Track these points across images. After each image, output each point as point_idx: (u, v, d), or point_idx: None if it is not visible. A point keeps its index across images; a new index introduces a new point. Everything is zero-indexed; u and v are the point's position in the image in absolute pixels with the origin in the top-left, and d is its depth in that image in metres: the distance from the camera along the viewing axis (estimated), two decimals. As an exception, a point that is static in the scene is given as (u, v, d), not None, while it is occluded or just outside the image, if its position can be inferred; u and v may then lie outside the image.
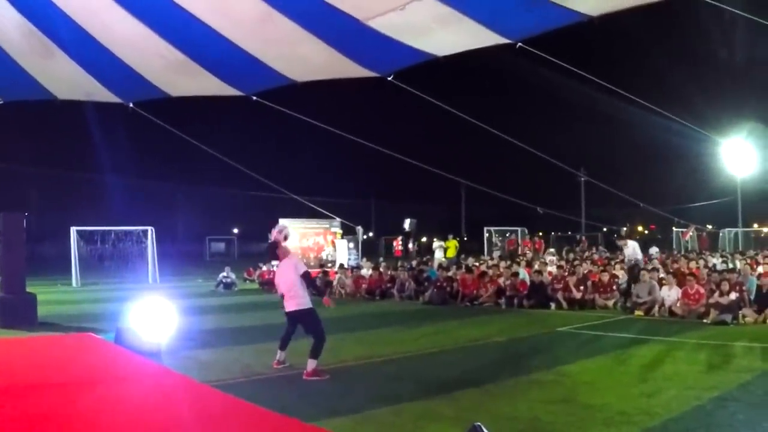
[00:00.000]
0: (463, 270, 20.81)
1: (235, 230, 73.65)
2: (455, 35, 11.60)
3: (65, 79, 14.29)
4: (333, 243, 35.35)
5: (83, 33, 12.29)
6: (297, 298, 9.14)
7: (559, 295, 17.60)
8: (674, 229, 41.57)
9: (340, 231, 35.82)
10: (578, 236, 43.21)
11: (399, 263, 25.62)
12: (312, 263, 30.11)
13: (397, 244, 37.82)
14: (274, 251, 9.55)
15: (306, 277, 9.24)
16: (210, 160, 20.21)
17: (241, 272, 30.88)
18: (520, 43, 11.51)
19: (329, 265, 29.84)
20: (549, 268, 21.01)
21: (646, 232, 76.13)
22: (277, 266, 9.93)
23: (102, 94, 14.95)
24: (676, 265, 20.02)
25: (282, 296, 9.35)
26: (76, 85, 14.64)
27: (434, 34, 11.46)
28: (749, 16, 10.17)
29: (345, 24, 11.17)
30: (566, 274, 19.25)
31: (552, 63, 12.70)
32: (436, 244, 33.61)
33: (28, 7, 11.76)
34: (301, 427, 6.25)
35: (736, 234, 42.19)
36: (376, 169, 62.15)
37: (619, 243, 19.67)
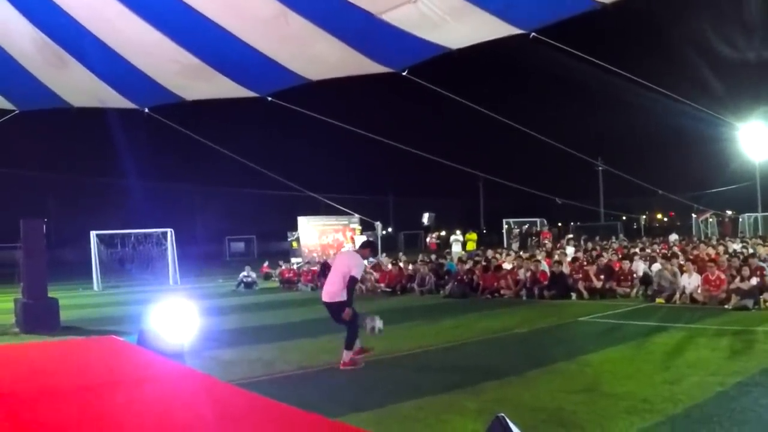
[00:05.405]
0: (480, 268, 20.50)
1: (257, 230, 73.50)
2: (468, 27, 11.52)
3: (79, 87, 14.35)
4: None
5: (96, 41, 12.32)
6: (331, 290, 9.46)
7: (580, 285, 17.54)
8: (693, 215, 41.34)
9: (359, 227, 35.91)
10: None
11: (420, 257, 25.53)
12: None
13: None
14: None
15: (351, 282, 9.41)
16: (227, 161, 20.30)
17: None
18: (534, 33, 11.42)
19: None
20: (568, 258, 20.92)
21: (665, 219, 75.76)
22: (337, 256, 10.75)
23: (116, 101, 15.02)
24: (696, 252, 19.91)
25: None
26: (91, 93, 14.71)
27: (447, 27, 11.37)
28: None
29: (358, 19, 11.12)
30: (586, 263, 19.18)
31: (567, 51, 12.62)
32: (454, 237, 33.60)
33: (40, 18, 11.83)
34: (325, 423, 6.28)
35: (755, 219, 41.87)
36: (394, 164, 62.07)
37: None
